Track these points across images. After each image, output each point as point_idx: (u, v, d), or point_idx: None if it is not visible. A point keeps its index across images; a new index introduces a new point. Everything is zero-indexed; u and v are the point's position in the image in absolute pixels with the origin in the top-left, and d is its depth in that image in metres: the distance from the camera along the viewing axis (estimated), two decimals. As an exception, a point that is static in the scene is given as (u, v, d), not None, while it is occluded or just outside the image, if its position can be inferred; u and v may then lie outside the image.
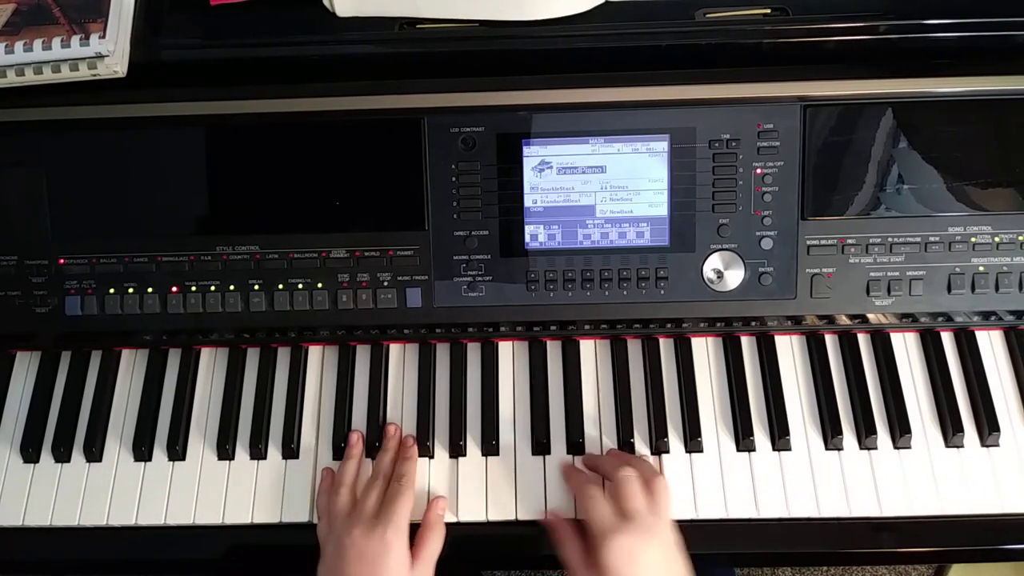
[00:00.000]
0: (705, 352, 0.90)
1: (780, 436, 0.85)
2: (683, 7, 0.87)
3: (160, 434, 0.88)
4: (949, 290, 0.86)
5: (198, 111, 0.85)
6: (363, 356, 0.91)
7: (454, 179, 0.85)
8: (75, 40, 0.83)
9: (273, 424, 0.88)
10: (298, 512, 0.84)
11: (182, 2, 0.89)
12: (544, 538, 0.83)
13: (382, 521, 0.78)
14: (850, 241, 0.85)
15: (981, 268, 0.85)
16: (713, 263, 0.86)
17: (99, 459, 0.87)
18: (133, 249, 0.87)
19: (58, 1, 0.86)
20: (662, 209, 0.86)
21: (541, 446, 0.86)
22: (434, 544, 0.80)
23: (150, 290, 0.87)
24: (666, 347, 0.91)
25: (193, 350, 0.92)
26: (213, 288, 0.86)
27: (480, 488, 0.84)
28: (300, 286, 0.86)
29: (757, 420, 0.87)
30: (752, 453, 0.85)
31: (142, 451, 0.87)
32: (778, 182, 0.85)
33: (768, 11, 0.86)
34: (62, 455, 0.87)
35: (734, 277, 0.86)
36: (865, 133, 0.84)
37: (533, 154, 0.85)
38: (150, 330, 0.89)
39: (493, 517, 0.83)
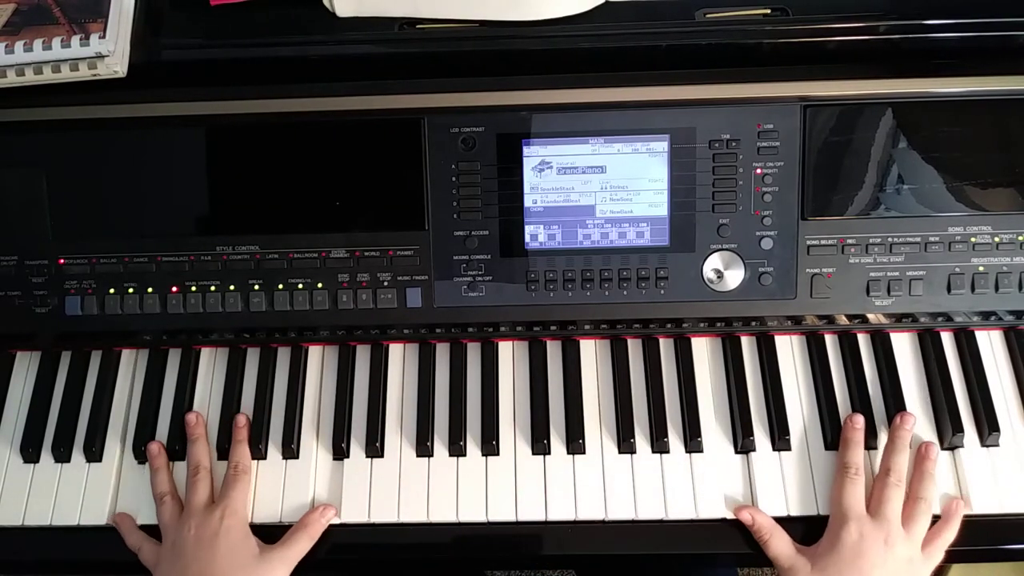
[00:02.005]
0: (705, 352, 0.90)
1: (780, 436, 0.85)
2: (683, 7, 0.87)
3: (160, 434, 0.88)
4: (949, 290, 0.86)
5: (198, 111, 0.85)
6: (363, 356, 0.91)
7: (454, 179, 0.85)
8: (75, 40, 0.83)
9: (273, 424, 0.88)
10: (300, 512, 0.84)
11: (182, 2, 0.89)
12: (545, 538, 0.83)
13: (218, 505, 0.80)
14: (850, 241, 0.85)
15: (981, 268, 0.85)
16: (713, 263, 0.86)
17: (99, 459, 0.87)
18: (133, 249, 0.87)
19: (58, 1, 0.86)
20: (662, 209, 0.86)
21: (541, 446, 0.86)
22: (301, 543, 0.81)
23: (150, 290, 0.87)
24: (666, 347, 0.91)
25: (193, 350, 0.92)
26: (213, 288, 0.86)
27: (480, 488, 0.84)
28: (300, 286, 0.86)
29: (757, 420, 0.87)
30: (752, 453, 0.85)
31: (142, 451, 0.87)
32: (778, 182, 0.85)
33: (768, 11, 0.86)
34: (62, 455, 0.87)
35: (734, 277, 0.86)
36: (865, 133, 0.84)
37: (533, 154, 0.85)
38: (150, 330, 0.89)
39: (493, 517, 0.83)
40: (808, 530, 0.82)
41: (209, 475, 0.84)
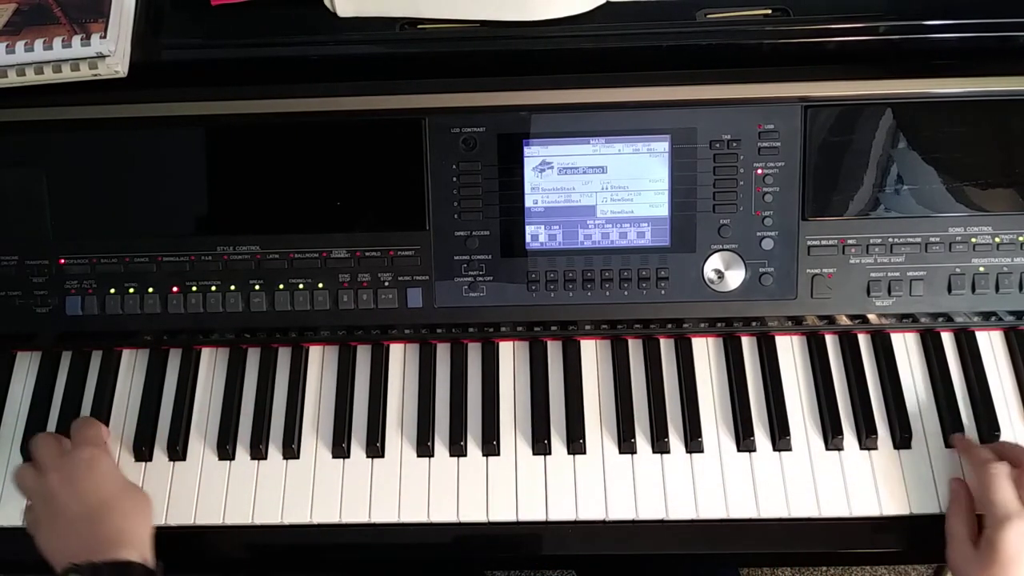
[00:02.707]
0: (705, 352, 0.90)
1: (780, 436, 0.85)
2: (684, 7, 0.87)
3: (160, 434, 0.88)
4: (949, 290, 0.86)
5: (198, 111, 0.85)
6: (364, 356, 0.91)
7: (455, 179, 0.85)
8: (76, 40, 0.83)
9: (273, 424, 0.88)
10: (301, 513, 0.84)
11: (183, 2, 0.89)
12: (545, 538, 0.83)
13: (73, 448, 0.79)
14: (850, 241, 0.85)
15: (981, 268, 0.85)
16: (714, 263, 0.86)
17: (99, 459, 0.87)
18: (133, 249, 0.87)
19: (59, 1, 0.86)
20: (663, 209, 0.86)
21: (542, 446, 0.86)
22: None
23: (151, 290, 0.87)
24: (666, 347, 0.91)
25: (193, 350, 0.92)
26: (214, 288, 0.86)
27: (480, 488, 0.84)
28: (301, 286, 0.86)
29: (757, 420, 0.87)
30: (752, 453, 0.85)
31: (142, 451, 0.87)
32: (779, 182, 0.85)
33: (769, 11, 0.87)
34: (62, 455, 0.87)
35: (735, 277, 0.86)
36: (865, 133, 0.84)
37: (534, 154, 0.85)
38: (150, 330, 0.89)
39: (494, 518, 0.83)
40: (804, 530, 0.82)
41: (54, 440, 0.82)
